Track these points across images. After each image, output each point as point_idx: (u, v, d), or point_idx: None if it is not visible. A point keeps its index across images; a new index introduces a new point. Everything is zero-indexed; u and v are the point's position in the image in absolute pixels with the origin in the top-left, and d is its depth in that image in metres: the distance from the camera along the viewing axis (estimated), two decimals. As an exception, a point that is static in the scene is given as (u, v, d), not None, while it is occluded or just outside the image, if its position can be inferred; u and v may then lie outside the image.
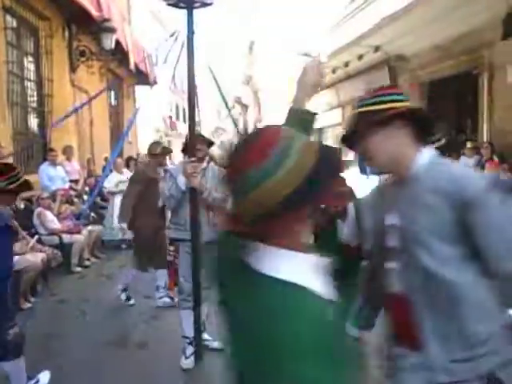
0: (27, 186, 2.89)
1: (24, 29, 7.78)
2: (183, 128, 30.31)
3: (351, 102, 10.93)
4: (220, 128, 32.64)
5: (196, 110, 3.44)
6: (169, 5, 2.96)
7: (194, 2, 2.98)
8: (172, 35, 3.65)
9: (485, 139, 7.03)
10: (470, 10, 6.22)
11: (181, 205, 3.43)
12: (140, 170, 5.15)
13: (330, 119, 12.28)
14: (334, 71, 10.87)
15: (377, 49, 8.78)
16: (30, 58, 8.08)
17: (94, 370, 3.24)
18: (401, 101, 1.48)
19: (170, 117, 28.08)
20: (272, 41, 13.78)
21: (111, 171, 8.68)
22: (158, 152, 4.66)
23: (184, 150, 3.74)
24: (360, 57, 9.36)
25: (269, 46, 14.19)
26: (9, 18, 7.10)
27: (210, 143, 3.73)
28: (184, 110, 31.61)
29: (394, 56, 8.65)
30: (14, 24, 7.39)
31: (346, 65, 10.18)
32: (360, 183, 8.81)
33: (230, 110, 4.47)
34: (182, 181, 3.31)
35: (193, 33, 3.23)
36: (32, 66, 8.09)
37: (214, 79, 3.71)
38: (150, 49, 14.74)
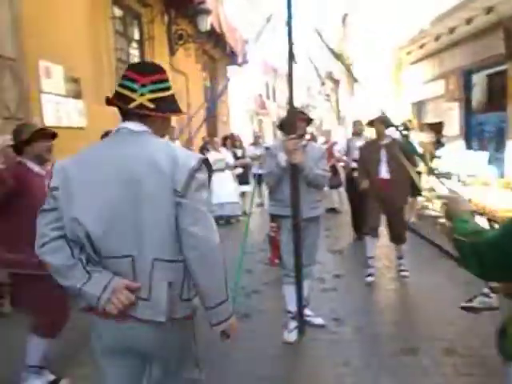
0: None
1: (129, 17, 8.27)
2: (273, 107, 30.43)
3: (456, 71, 10.06)
4: (310, 105, 32.26)
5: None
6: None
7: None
8: (268, 20, 3.62)
9: None
10: None
11: (281, 181, 3.44)
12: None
13: (431, 91, 11.42)
14: (436, 39, 10.03)
15: (489, 10, 7.89)
16: (134, 45, 8.60)
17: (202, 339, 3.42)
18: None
19: (261, 96, 28.25)
20: (367, 11, 13.10)
21: (208, 150, 9.02)
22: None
23: (282, 128, 3.73)
24: (468, 21, 8.48)
25: (363, 16, 13.51)
26: (116, 8, 7.60)
27: (310, 120, 3.68)
28: (274, 88, 31.67)
29: (510, 17, 7.71)
30: (121, 13, 7.89)
31: (452, 31, 9.32)
32: (465, 158, 8.15)
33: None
34: (282, 157, 3.31)
35: (291, 15, 3.19)
36: (136, 52, 8.60)
37: (324, 43, 3.62)
38: (243, 29, 14.92)
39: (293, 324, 3.43)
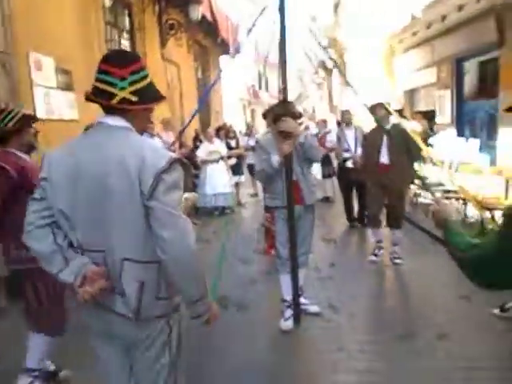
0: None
1: (119, 7, 8.18)
2: (265, 96, 30.32)
3: (448, 58, 10.08)
4: (303, 94, 32.19)
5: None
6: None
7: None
8: (262, 13, 3.59)
9: None
10: None
11: (274, 178, 3.45)
12: None
13: (423, 79, 11.45)
14: (428, 26, 10.04)
15: (481, -3, 7.92)
16: (125, 35, 8.51)
17: (199, 328, 3.47)
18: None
19: (253, 86, 28.13)
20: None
21: (201, 141, 9.02)
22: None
23: (274, 120, 3.69)
24: (460, 7, 8.49)
25: (355, 4, 13.44)
26: (106, -3, 7.51)
27: (300, 115, 3.69)
28: (267, 78, 31.54)
29: (502, 4, 7.71)
30: (111, 3, 7.80)
31: (443, 18, 9.32)
32: (457, 146, 8.20)
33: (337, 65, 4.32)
34: (275, 159, 3.31)
35: (283, 7, 3.18)
36: (127, 43, 8.52)
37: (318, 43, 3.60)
38: (234, 18, 14.79)
39: (289, 312, 3.49)
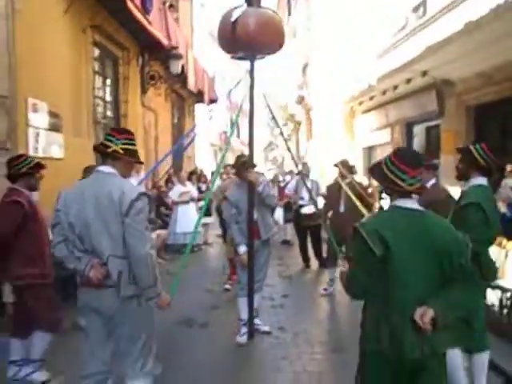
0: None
1: (107, 58, 9.03)
2: (237, 143, 31.59)
3: (400, 122, 11.36)
4: (273, 143, 33.70)
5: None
6: (232, 58, 3.74)
7: (255, 56, 3.73)
8: (238, 83, 4.42)
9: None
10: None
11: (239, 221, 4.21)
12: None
13: (379, 138, 12.69)
14: (383, 93, 11.34)
15: (424, 73, 9.19)
16: (110, 83, 9.31)
17: (166, 341, 4.01)
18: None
19: (225, 132, 29.32)
20: (324, 64, 14.46)
21: (173, 183, 9.69)
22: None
23: (237, 174, 4.41)
24: (408, 81, 9.78)
25: (321, 69, 14.87)
26: (96, 50, 8.34)
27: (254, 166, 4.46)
28: (238, 125, 32.99)
29: (440, 80, 9.03)
30: (100, 55, 8.64)
31: (395, 88, 10.61)
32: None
33: (283, 135, 5.23)
34: (242, 250, 4.11)
35: (253, 84, 3.95)
36: (112, 90, 9.31)
37: (269, 110, 4.45)
38: (210, 69, 15.97)
39: (244, 329, 4.12)
